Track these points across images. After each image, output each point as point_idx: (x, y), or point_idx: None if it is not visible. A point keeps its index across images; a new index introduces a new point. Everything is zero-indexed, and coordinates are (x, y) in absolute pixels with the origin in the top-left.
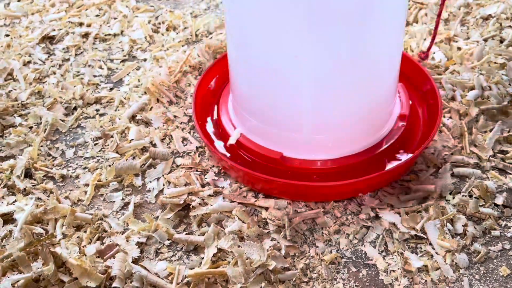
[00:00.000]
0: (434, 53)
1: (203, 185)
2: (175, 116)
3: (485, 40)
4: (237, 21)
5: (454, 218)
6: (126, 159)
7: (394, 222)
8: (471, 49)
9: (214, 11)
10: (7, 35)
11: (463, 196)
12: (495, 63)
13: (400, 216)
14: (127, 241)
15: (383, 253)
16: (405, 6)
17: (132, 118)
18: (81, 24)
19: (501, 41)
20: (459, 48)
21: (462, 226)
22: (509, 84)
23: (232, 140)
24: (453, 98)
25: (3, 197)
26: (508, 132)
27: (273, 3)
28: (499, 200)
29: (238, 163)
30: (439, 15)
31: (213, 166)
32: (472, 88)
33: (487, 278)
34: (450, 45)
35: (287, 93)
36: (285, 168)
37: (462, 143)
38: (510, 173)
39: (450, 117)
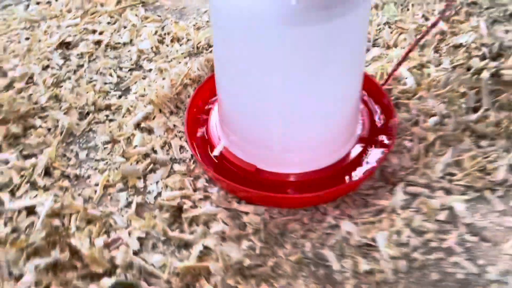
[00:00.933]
0: (406, 78)
1: (195, 190)
2: (174, 126)
3: (454, 67)
4: (221, 56)
5: (401, 230)
6: (131, 164)
7: (351, 231)
8: (439, 76)
9: None
10: (27, 38)
11: (411, 211)
12: (457, 91)
13: (356, 226)
14: (129, 235)
15: (339, 257)
16: (363, 44)
17: (137, 125)
18: (94, 32)
19: (468, 69)
20: (429, 75)
21: (406, 237)
22: (466, 113)
23: (215, 152)
24: (416, 123)
25: (27, 192)
26: (458, 156)
27: (247, 54)
28: (441, 216)
29: (219, 174)
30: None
31: (204, 173)
32: (434, 115)
33: (420, 281)
34: (422, 71)
35: (260, 119)
36: (259, 179)
37: (417, 165)
38: (453, 193)
39: (411, 140)
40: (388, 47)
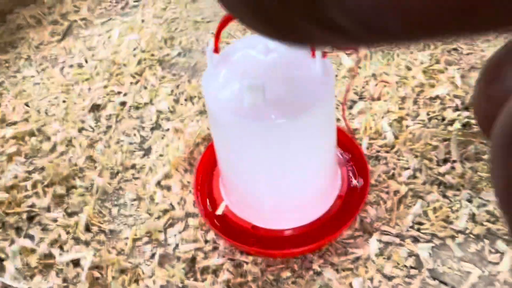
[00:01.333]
0: (386, 132)
1: (206, 242)
2: (188, 182)
3: (430, 119)
4: (213, 136)
5: (374, 276)
6: (153, 220)
7: (331, 278)
8: (414, 130)
9: None
10: (64, 101)
11: (383, 258)
12: (430, 145)
13: (337, 273)
14: (154, 283)
15: None
16: (333, 124)
17: (158, 183)
18: (119, 93)
19: (443, 120)
20: (407, 127)
21: (378, 281)
22: (438, 164)
23: (218, 211)
24: (392, 176)
25: (72, 246)
26: (427, 207)
27: (230, 143)
28: (408, 262)
29: (222, 230)
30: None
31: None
32: (407, 169)
33: None
34: (401, 124)
35: (252, 188)
36: (255, 234)
37: (391, 216)
38: (420, 241)
39: (387, 193)
40: (373, 100)
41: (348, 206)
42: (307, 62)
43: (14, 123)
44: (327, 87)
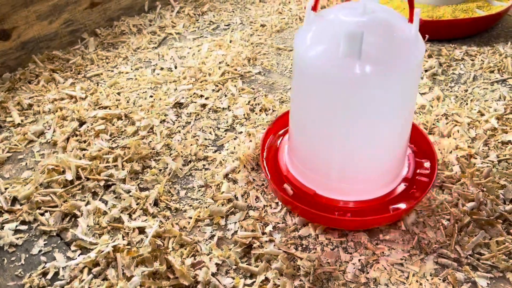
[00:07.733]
0: (453, 165)
1: (263, 233)
2: (253, 179)
3: (499, 161)
4: (295, 99)
5: None
6: (217, 206)
7: None
8: (483, 167)
9: None
10: (151, 96)
11: (438, 279)
12: (498, 183)
13: (391, 284)
14: (210, 260)
15: None
16: (414, 98)
17: (226, 176)
18: (201, 96)
19: None
20: (474, 165)
21: None
22: (504, 203)
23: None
24: (456, 205)
25: (139, 216)
26: (489, 239)
27: (317, 103)
28: (464, 287)
29: (285, 194)
30: None
31: (272, 222)
32: (472, 200)
33: None
34: (469, 161)
35: (322, 155)
36: (316, 202)
37: (450, 241)
38: (479, 270)
39: (448, 220)
40: (442, 136)
41: (412, 192)
42: (402, 26)
43: (105, 107)
44: (418, 52)
